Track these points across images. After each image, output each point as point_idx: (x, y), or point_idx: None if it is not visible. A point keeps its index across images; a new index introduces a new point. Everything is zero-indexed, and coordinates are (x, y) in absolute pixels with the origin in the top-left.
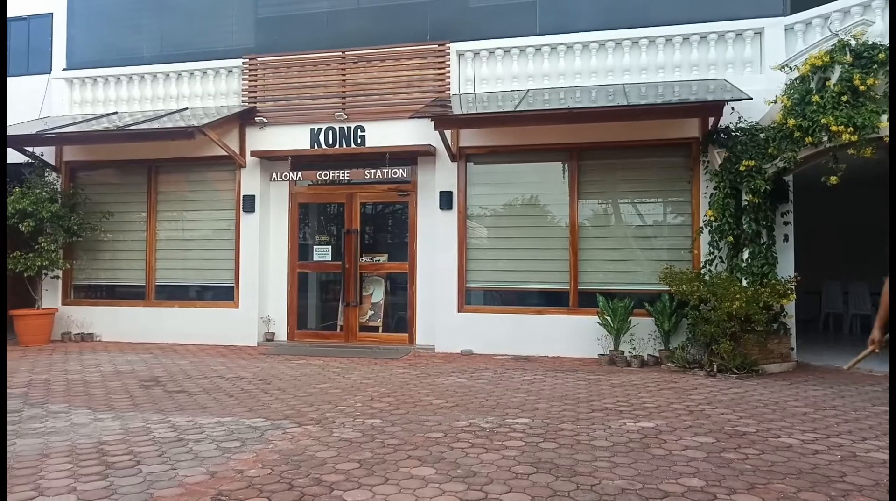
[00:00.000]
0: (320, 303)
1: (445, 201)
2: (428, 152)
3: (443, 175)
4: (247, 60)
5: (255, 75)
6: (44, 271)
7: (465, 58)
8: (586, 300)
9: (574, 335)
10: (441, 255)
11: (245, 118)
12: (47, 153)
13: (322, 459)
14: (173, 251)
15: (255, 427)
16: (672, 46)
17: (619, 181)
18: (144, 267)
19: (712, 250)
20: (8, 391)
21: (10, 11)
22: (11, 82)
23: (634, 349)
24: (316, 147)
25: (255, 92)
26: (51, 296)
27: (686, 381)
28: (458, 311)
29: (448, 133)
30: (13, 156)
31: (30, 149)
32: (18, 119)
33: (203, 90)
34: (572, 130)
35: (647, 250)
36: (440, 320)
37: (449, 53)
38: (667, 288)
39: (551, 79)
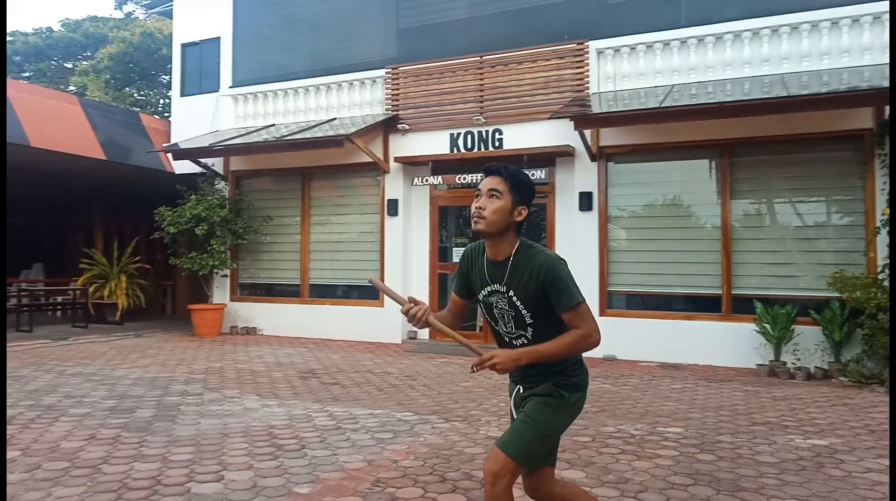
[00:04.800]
0: None
1: (585, 202)
2: (566, 153)
3: (582, 176)
4: (389, 70)
5: (397, 84)
6: (215, 271)
7: (605, 55)
8: (741, 306)
9: (728, 342)
10: (580, 257)
11: (388, 126)
12: (217, 164)
13: (470, 455)
14: (324, 253)
15: (404, 421)
16: (839, 30)
17: (777, 178)
18: (299, 267)
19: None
20: (189, 376)
21: (185, 38)
22: (188, 101)
23: (799, 360)
24: (455, 151)
25: (398, 100)
26: (220, 293)
27: (863, 397)
28: (600, 315)
29: (588, 133)
30: (189, 167)
31: (202, 160)
32: (193, 134)
33: (350, 100)
34: (723, 126)
35: (810, 252)
36: None
37: (587, 52)
38: (837, 295)
39: (698, 72)
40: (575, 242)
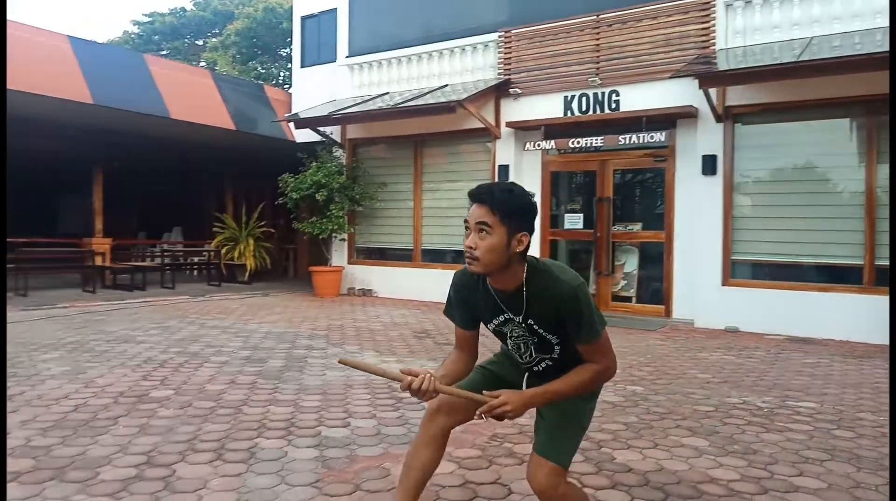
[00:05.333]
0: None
1: (708, 165)
2: (689, 114)
3: (705, 138)
4: (502, 34)
5: (510, 47)
6: (333, 235)
7: (734, 8)
8: (885, 278)
9: (869, 317)
10: (702, 224)
11: (500, 90)
12: (335, 132)
13: None
14: (436, 218)
15: None
16: None
17: None
18: (412, 232)
19: None
20: (313, 332)
21: (304, 11)
22: (307, 72)
23: None
24: (568, 115)
25: (510, 64)
26: (339, 256)
27: None
28: (723, 284)
29: (713, 92)
30: (309, 136)
31: (321, 129)
32: (313, 104)
33: (462, 66)
34: (870, 80)
35: None
36: (701, 293)
37: (714, 5)
38: None
39: (843, 22)
40: (695, 208)
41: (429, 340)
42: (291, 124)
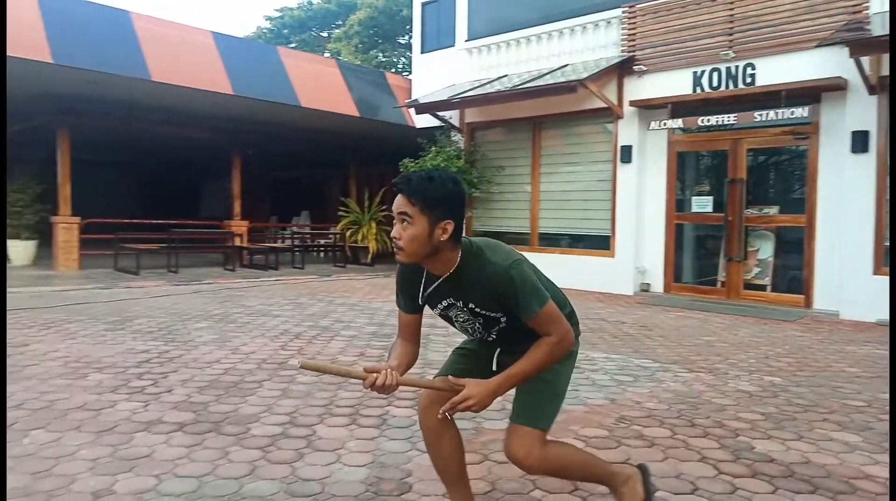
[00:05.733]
0: (698, 257)
1: (859, 142)
2: (836, 87)
3: (856, 112)
4: (626, 9)
5: (634, 23)
6: None
7: None
8: None
9: None
10: (851, 207)
11: (623, 68)
12: (453, 116)
13: (720, 405)
14: (554, 202)
15: (644, 367)
16: None
17: None
18: (529, 216)
19: None
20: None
21: None
22: (427, 58)
23: None
24: (698, 91)
25: (634, 40)
26: None
27: None
28: (874, 273)
29: (866, 61)
30: (429, 121)
31: (440, 113)
32: (432, 89)
33: (583, 45)
34: None
35: None
36: (848, 283)
37: None
38: None
39: None
40: (843, 188)
41: None
42: (412, 110)
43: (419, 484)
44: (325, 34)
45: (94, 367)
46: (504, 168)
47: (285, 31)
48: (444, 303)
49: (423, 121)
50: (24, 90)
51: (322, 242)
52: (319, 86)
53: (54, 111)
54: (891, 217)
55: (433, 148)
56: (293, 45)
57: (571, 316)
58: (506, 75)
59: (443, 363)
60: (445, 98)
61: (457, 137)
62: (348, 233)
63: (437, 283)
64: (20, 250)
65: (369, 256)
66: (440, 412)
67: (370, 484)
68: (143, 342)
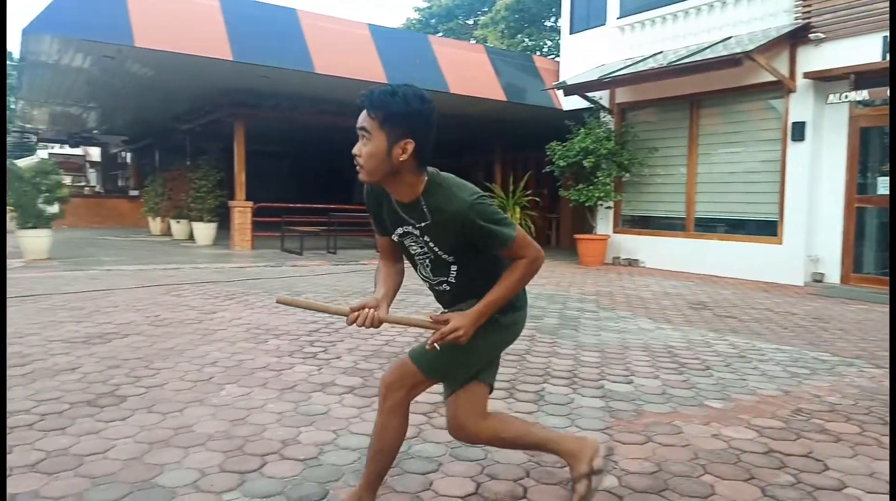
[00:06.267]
0: (884, 245)
1: None
2: None
3: None
4: None
5: None
6: (599, 202)
7: None
8: None
9: None
10: None
11: (796, 37)
12: (603, 97)
13: None
14: (713, 184)
15: (821, 360)
16: None
17: None
18: (685, 200)
19: None
20: (582, 296)
21: None
22: (576, 39)
23: None
24: (887, 59)
25: (810, 5)
26: (604, 224)
27: None
28: None
29: None
30: (577, 103)
31: (590, 94)
32: (581, 70)
33: (749, 14)
34: None
35: None
36: None
37: None
38: None
39: None
40: None
41: (706, 311)
42: (559, 92)
43: None
44: (470, 22)
45: (273, 334)
46: (657, 149)
47: (432, 20)
48: (401, 230)
49: (571, 103)
50: (208, 87)
51: None
52: (468, 72)
53: (231, 105)
54: (891, 216)
55: (581, 130)
56: (439, 34)
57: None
58: (660, 52)
59: None
60: (595, 78)
61: (606, 118)
62: None
63: (398, 208)
64: (203, 231)
65: None
66: (428, 343)
67: (531, 456)
68: (311, 314)
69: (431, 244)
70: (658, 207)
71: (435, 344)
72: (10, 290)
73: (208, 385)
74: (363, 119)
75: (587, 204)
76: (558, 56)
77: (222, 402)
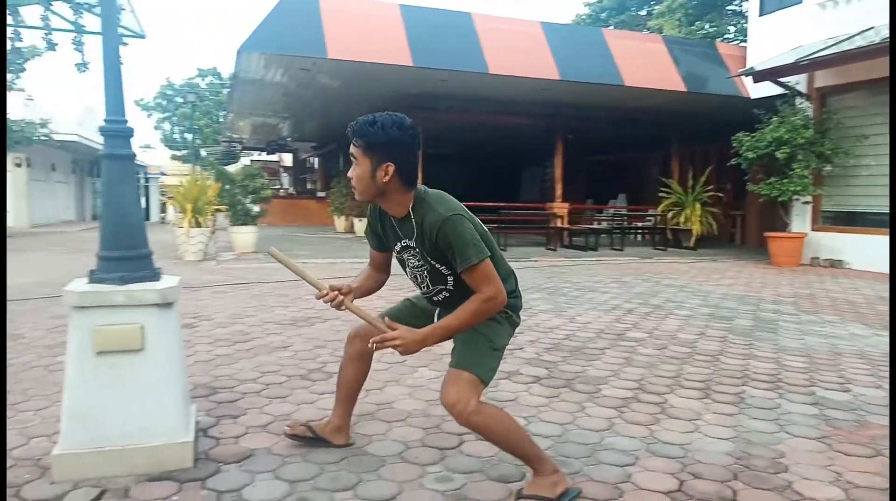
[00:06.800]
0: None
1: None
2: None
3: None
4: None
5: None
6: (795, 197)
7: None
8: None
9: None
10: None
11: None
12: (800, 82)
13: None
14: None
15: None
16: None
17: None
18: None
19: None
20: (777, 298)
21: None
22: (766, 20)
23: None
24: None
25: None
26: (799, 221)
27: None
28: None
29: None
30: (766, 90)
31: (783, 80)
32: (772, 54)
33: None
34: None
35: None
36: None
37: None
38: None
39: None
40: None
41: None
42: (747, 80)
43: (796, 467)
44: (643, 13)
45: None
46: (867, 137)
47: (603, 14)
48: (399, 245)
49: (760, 90)
50: (386, 93)
51: (640, 224)
52: (644, 63)
53: (407, 108)
54: (891, 215)
55: (773, 118)
56: (611, 27)
57: (514, 292)
58: (871, 28)
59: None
60: (791, 61)
61: (803, 104)
62: (670, 215)
63: (394, 224)
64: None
65: (692, 239)
66: (370, 341)
67: (738, 458)
68: None
69: (427, 256)
70: (868, 201)
71: (375, 344)
72: (226, 277)
73: (402, 368)
74: (351, 147)
75: (780, 199)
76: (744, 41)
77: (416, 383)
